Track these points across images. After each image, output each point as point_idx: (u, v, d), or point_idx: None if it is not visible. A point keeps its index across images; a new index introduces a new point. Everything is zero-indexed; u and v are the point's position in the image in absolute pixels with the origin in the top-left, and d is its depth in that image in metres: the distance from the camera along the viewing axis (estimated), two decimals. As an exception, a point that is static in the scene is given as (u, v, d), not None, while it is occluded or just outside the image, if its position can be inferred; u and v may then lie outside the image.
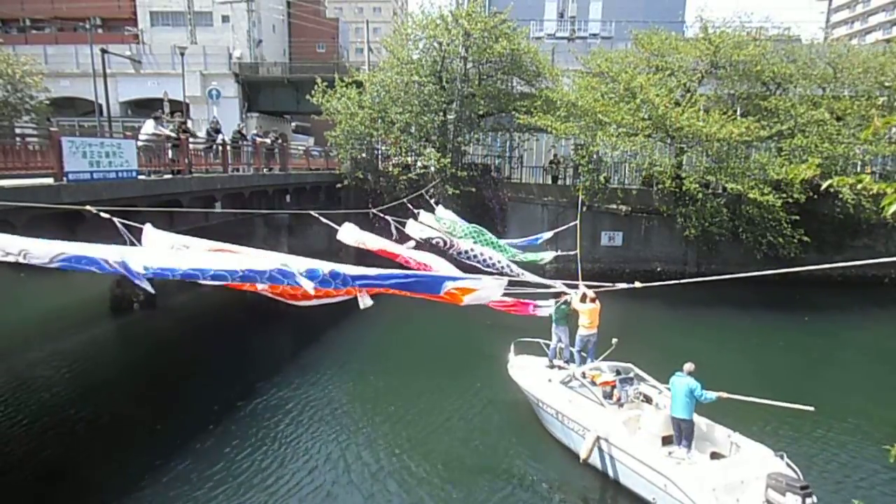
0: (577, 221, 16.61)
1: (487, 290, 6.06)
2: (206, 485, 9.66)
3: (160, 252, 5.44)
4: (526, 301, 9.00)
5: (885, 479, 10.17)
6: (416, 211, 15.60)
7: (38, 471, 10.33)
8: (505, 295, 6.59)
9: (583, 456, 9.70)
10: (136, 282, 5.14)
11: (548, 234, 17.15)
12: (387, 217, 13.62)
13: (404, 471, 10.32)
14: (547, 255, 14.95)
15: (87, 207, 6.70)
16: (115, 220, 6.25)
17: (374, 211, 13.82)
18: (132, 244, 6.26)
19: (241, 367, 14.92)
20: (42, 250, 5.00)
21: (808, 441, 11.37)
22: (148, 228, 6.35)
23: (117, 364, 16.25)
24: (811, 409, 9.11)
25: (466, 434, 11.69)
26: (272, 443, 11.11)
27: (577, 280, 11.46)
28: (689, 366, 9.35)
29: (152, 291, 5.11)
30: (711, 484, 8.21)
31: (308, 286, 5.34)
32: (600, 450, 9.72)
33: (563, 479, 10.33)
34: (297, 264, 5.48)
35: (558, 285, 9.11)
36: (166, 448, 10.63)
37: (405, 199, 16.95)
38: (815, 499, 7.84)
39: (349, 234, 10.47)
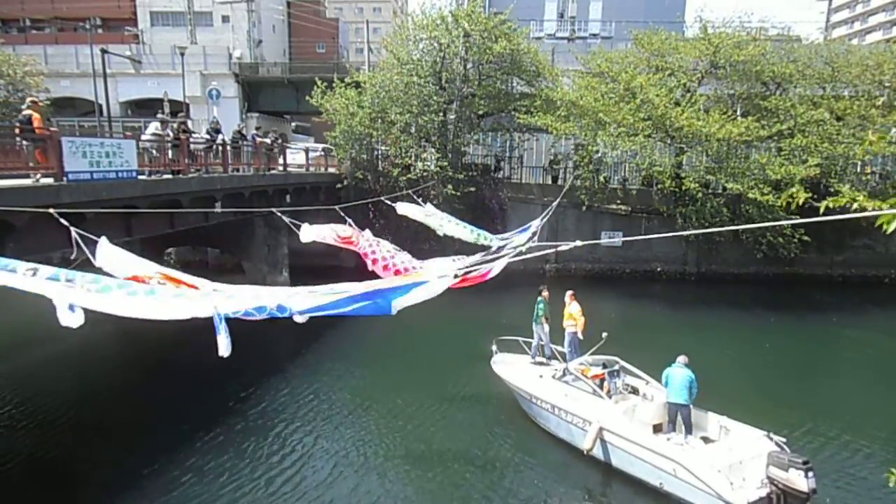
0: (555, 203, 16.68)
1: (434, 289, 6.01)
2: (205, 483, 9.67)
3: (95, 293, 5.44)
4: (483, 273, 8.65)
5: (881, 477, 10.17)
6: (392, 205, 15.31)
7: (39, 470, 10.34)
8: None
9: (587, 447, 9.96)
10: (62, 314, 5.15)
11: (536, 223, 17.04)
12: (347, 218, 13.19)
13: (404, 470, 10.34)
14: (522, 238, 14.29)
15: (50, 210, 6.80)
16: (73, 229, 6.38)
17: (336, 208, 13.38)
18: (87, 253, 6.38)
19: (241, 366, 14.91)
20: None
21: (803, 434, 11.41)
22: (102, 241, 6.49)
23: (117, 364, 16.26)
24: None
25: (460, 431, 11.78)
26: (270, 440, 11.13)
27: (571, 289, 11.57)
28: (684, 358, 9.84)
29: (75, 325, 5.14)
30: (718, 465, 8.60)
31: (257, 316, 5.46)
32: (602, 440, 9.98)
33: (565, 471, 10.44)
34: (243, 303, 5.50)
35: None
36: (166, 448, 10.64)
37: (384, 198, 16.72)
38: (814, 474, 8.19)
39: (309, 233, 10.62)
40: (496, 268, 7.03)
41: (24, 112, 11.78)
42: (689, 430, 9.68)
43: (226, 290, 5.90)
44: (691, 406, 9.72)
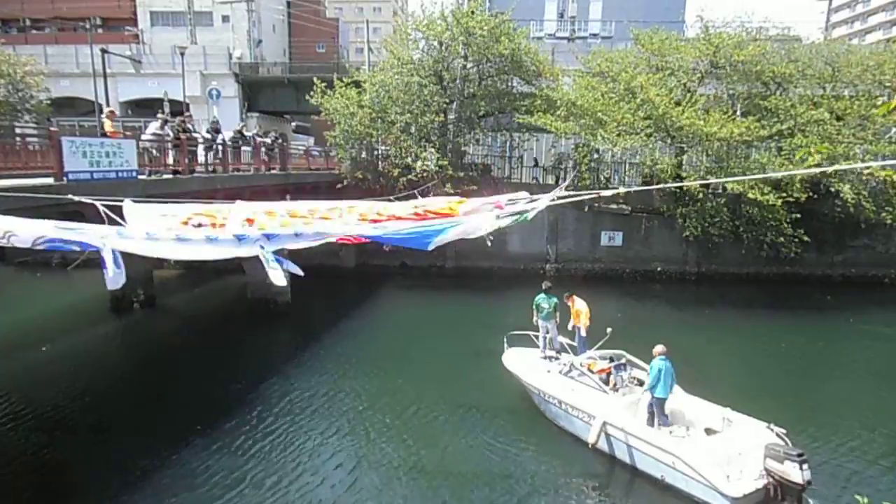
0: (565, 183, 17.01)
1: (474, 225, 5.98)
2: (206, 483, 9.66)
3: (136, 234, 5.51)
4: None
5: (881, 474, 10.19)
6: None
7: (38, 470, 10.32)
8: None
9: (591, 441, 10.15)
10: (109, 274, 5.23)
11: (548, 197, 17.24)
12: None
13: (412, 465, 10.36)
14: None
15: (70, 196, 6.80)
16: (98, 203, 6.26)
17: (344, 200, 13.65)
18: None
19: (242, 366, 14.92)
20: (26, 232, 5.09)
21: (806, 428, 11.41)
22: (127, 203, 6.36)
23: (117, 364, 16.26)
24: None
25: (471, 425, 11.89)
26: (273, 441, 11.10)
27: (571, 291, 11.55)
28: (663, 347, 10.01)
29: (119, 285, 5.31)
30: (716, 458, 8.76)
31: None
32: (607, 434, 10.18)
33: (572, 464, 10.56)
34: (282, 240, 5.78)
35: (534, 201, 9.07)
36: (167, 448, 10.62)
37: (393, 197, 16.85)
38: (808, 466, 8.34)
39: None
40: (536, 205, 6.83)
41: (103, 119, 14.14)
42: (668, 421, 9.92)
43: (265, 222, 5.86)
44: (693, 397, 10.17)
